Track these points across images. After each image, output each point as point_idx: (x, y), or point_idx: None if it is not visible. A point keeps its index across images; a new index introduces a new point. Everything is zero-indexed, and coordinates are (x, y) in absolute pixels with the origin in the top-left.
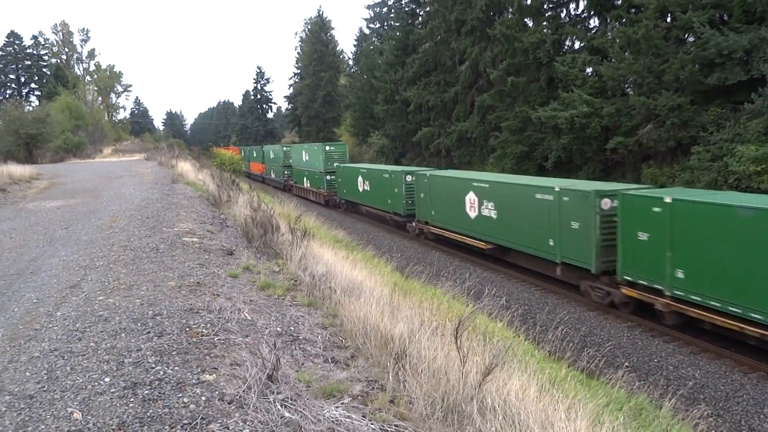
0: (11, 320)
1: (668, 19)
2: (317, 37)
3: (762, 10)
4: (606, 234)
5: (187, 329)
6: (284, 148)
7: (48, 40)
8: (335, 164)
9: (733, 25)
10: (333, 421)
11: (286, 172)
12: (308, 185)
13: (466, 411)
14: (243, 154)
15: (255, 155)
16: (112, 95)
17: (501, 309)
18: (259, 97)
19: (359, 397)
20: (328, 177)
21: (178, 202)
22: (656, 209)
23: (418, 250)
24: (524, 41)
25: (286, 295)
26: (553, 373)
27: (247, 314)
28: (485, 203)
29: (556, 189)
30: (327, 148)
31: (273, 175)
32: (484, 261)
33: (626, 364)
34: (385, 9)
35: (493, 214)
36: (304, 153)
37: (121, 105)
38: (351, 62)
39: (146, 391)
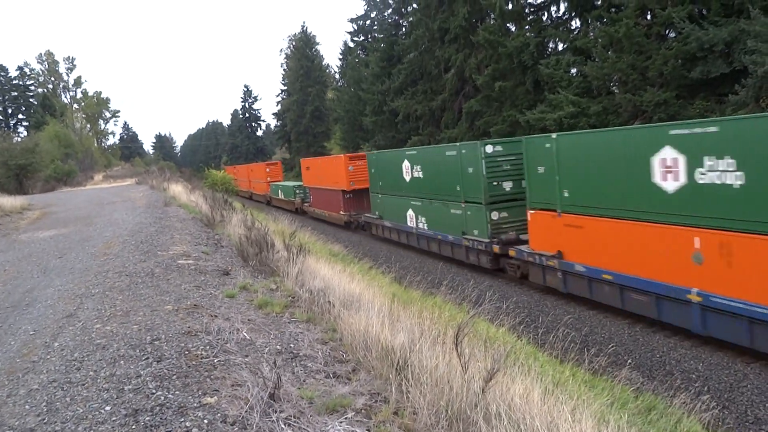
0: (8, 354)
1: (648, 17)
2: (302, 52)
3: (739, 2)
4: None
5: (186, 352)
6: None
7: (33, 70)
8: None
9: (712, 19)
10: None
11: None
12: None
13: (471, 418)
14: (379, 171)
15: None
16: (101, 122)
17: (501, 314)
18: (247, 115)
19: (363, 411)
20: None
21: (171, 225)
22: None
23: (415, 259)
24: (508, 46)
25: (284, 313)
26: (556, 374)
27: (245, 334)
28: None
29: None
30: None
31: None
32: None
33: (629, 361)
34: (368, 22)
35: None
36: None
37: (109, 131)
38: (337, 76)
39: (147, 418)
